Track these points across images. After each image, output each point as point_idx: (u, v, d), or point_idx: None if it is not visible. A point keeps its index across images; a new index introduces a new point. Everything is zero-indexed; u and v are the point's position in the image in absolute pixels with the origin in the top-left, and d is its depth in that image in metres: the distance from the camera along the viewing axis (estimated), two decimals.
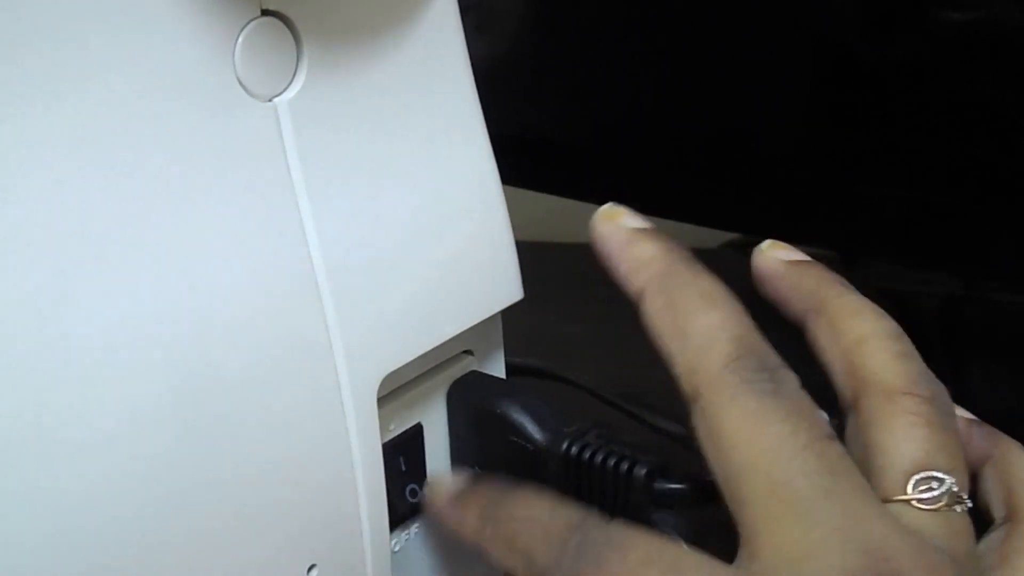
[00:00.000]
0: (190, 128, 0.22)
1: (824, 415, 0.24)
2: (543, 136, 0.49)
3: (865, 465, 0.23)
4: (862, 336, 0.25)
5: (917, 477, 0.23)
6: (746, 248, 0.65)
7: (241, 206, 0.23)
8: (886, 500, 0.23)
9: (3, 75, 0.19)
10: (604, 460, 0.27)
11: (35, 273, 0.19)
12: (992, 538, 0.24)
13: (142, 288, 0.21)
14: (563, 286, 0.55)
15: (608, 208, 0.27)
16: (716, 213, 0.48)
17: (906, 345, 0.25)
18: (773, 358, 0.24)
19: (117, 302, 0.20)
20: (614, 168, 0.49)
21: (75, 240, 0.20)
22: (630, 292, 0.26)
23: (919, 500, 0.23)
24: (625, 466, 0.26)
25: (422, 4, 0.26)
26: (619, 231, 0.27)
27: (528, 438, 0.28)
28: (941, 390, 0.24)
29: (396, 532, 0.28)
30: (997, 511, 0.25)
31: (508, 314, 0.30)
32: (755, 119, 0.44)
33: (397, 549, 0.28)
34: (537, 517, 0.25)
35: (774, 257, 0.28)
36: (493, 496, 0.26)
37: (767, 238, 0.58)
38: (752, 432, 0.23)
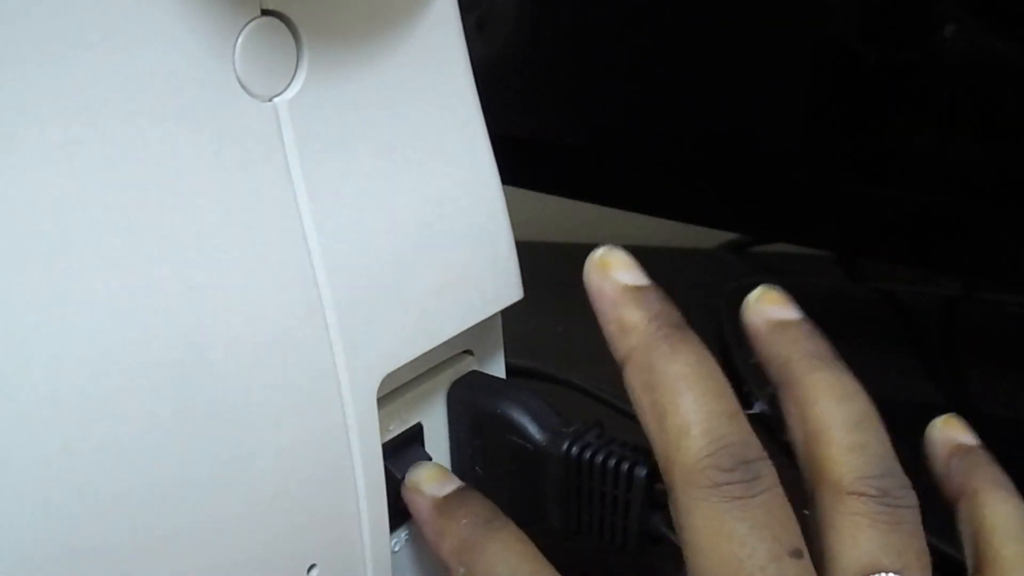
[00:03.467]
0: (190, 128, 0.21)
1: (793, 522, 0.23)
2: (543, 136, 0.49)
3: (820, 567, 0.23)
4: (820, 426, 0.24)
5: None
6: (743, 249, 0.65)
7: (241, 206, 0.23)
8: None
9: (2, 77, 0.19)
10: (604, 461, 0.27)
11: (33, 273, 0.19)
12: None
13: (141, 289, 0.21)
14: (563, 286, 0.55)
15: (601, 255, 0.26)
16: (715, 213, 0.48)
17: (863, 435, 0.24)
18: (750, 450, 0.23)
19: (115, 303, 0.20)
20: (614, 168, 0.49)
21: (74, 239, 0.20)
22: (616, 358, 0.26)
23: None
24: (625, 467, 0.26)
25: (422, 4, 0.26)
26: (610, 288, 0.26)
27: (528, 438, 0.28)
28: (895, 482, 0.24)
29: (396, 532, 0.28)
30: (968, 558, 0.24)
31: (508, 314, 0.30)
32: (754, 119, 0.44)
33: (397, 549, 0.28)
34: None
35: (759, 312, 0.27)
36: (475, 529, 0.26)
37: (766, 238, 0.58)
38: (714, 541, 0.22)
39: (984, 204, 0.39)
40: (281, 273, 0.23)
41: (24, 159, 0.19)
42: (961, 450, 0.26)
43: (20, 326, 0.19)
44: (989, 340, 0.50)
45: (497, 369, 0.31)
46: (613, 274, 0.26)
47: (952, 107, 0.38)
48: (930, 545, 0.23)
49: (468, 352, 0.30)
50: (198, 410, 0.22)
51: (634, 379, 0.25)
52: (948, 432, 0.27)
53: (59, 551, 0.20)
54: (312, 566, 0.25)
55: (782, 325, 0.26)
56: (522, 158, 0.48)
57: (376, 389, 0.25)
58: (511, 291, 0.29)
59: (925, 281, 0.54)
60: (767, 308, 0.27)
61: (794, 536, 0.23)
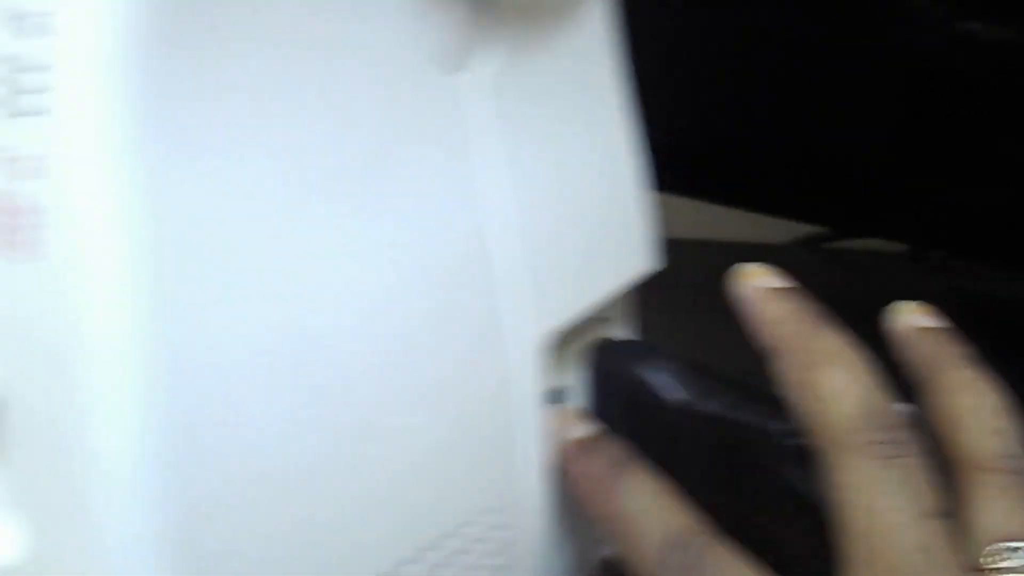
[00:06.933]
0: (391, 99, 0.24)
1: (933, 488, 0.24)
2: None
3: (958, 539, 0.24)
4: (962, 412, 0.26)
5: (997, 547, 0.24)
6: (816, 244, 0.65)
7: (428, 170, 0.25)
8: (970, 572, 0.24)
9: (218, 62, 0.20)
10: (739, 417, 0.28)
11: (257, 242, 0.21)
12: None
13: (346, 246, 0.22)
14: None
15: (750, 268, 0.29)
16: (801, 207, 0.50)
17: (1003, 422, 0.26)
18: (897, 419, 0.25)
19: (328, 258, 0.22)
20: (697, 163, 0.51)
21: (281, 210, 0.21)
22: (765, 347, 0.27)
23: (998, 570, 0.24)
24: (760, 423, 0.27)
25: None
26: (755, 291, 0.28)
27: (666, 397, 0.29)
28: None
29: None
30: None
31: None
32: (849, 127, 0.45)
33: None
34: (651, 513, 0.26)
35: (907, 320, 0.29)
36: (615, 466, 0.27)
37: (847, 232, 0.58)
38: (865, 497, 0.24)
39: None
40: (457, 236, 0.25)
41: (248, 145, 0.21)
42: None
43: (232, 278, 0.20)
44: None
45: (628, 335, 0.33)
46: (757, 281, 0.28)
47: None
48: None
49: (604, 318, 0.32)
50: (392, 358, 0.23)
51: (783, 360, 0.27)
52: None
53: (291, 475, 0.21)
54: (489, 509, 0.27)
55: (930, 331, 0.29)
56: None
57: (539, 345, 0.27)
58: (649, 259, 0.32)
59: (1009, 279, 0.55)
60: (915, 317, 0.29)
61: (938, 499, 0.24)
